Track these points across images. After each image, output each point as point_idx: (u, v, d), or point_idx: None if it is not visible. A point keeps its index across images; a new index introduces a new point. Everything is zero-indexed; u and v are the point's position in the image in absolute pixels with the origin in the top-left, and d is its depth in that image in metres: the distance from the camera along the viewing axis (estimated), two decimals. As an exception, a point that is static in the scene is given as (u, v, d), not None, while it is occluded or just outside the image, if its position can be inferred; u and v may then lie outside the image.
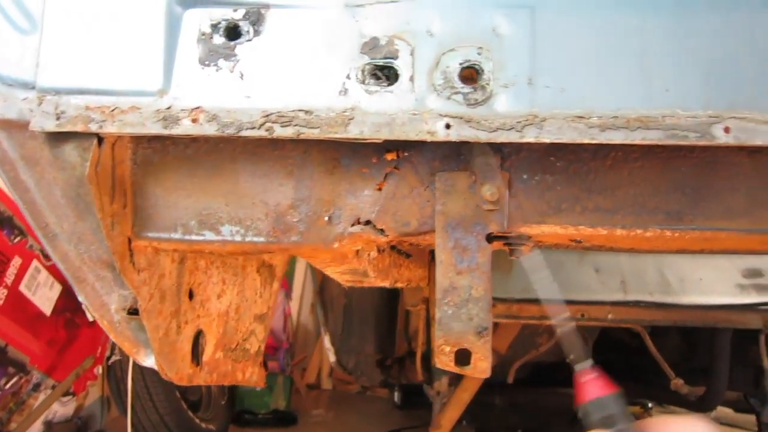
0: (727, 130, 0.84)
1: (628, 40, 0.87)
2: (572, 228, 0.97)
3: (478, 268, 0.95)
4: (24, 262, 3.38)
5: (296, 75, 0.91)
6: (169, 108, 0.92)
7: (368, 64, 0.90)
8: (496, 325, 3.24)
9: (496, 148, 0.95)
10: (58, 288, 3.66)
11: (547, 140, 0.85)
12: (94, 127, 0.92)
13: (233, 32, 0.93)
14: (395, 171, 1.00)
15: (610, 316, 2.50)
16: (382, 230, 1.00)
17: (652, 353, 2.71)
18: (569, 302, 2.54)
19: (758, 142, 0.83)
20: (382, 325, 4.00)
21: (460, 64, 0.88)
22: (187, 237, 1.03)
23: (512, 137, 0.86)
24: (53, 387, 3.57)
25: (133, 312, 1.13)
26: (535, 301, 2.62)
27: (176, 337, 1.25)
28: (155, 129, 0.91)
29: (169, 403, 4.14)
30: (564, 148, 0.96)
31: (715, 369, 2.96)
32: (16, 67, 0.97)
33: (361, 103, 0.89)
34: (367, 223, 1.00)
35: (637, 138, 0.84)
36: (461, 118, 0.87)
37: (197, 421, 4.37)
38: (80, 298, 1.13)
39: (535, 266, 0.81)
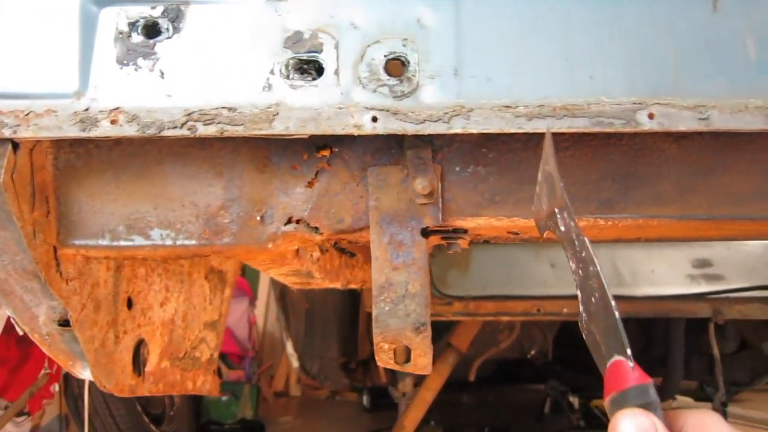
0: (651, 116, 0.84)
1: (553, 29, 0.87)
2: (507, 220, 0.97)
3: (414, 264, 0.94)
4: (-30, 280, 3.26)
5: (219, 72, 0.89)
6: (86, 110, 0.88)
7: (292, 58, 0.88)
8: (456, 324, 3.25)
9: (427, 140, 0.94)
10: (9, 305, 3.54)
11: (475, 131, 0.84)
12: (7, 132, 0.88)
13: (152, 30, 0.91)
14: (327, 167, 0.98)
15: (565, 310, 2.53)
16: (316, 228, 0.98)
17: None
18: (525, 298, 2.57)
19: (681, 127, 0.84)
20: (345, 328, 3.97)
21: (385, 56, 0.87)
22: (115, 243, 1.00)
23: (440, 129, 0.85)
24: (6, 407, 3.46)
25: (65, 323, 1.09)
26: (493, 298, 2.64)
27: (114, 347, 1.21)
28: (73, 132, 0.88)
29: (130, 418, 4.05)
30: (495, 138, 0.95)
31: (670, 359, 3.03)
32: None
33: (285, 98, 0.87)
34: (300, 221, 0.98)
35: (564, 126, 0.84)
36: (388, 110, 0.85)
37: (161, 434, 4.28)
38: (8, 312, 1.08)
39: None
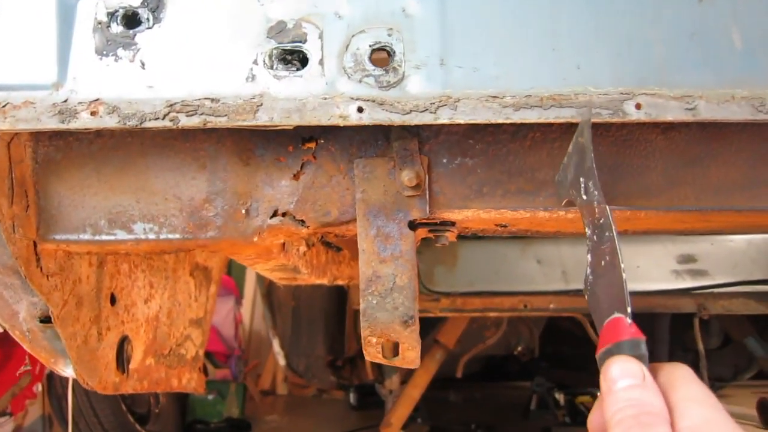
0: (638, 106, 0.84)
1: (539, 19, 0.87)
2: (495, 212, 0.96)
3: (402, 256, 0.93)
4: (-50, 280, 3.21)
5: (201, 62, 0.87)
6: (65, 101, 0.86)
7: (276, 48, 0.87)
8: (444, 320, 3.25)
9: (414, 131, 0.93)
10: (-10, 305, 3.49)
11: (462, 121, 0.84)
12: (-16, 124, 0.86)
13: (132, 20, 0.89)
14: (312, 160, 0.97)
15: (552, 306, 2.54)
16: (302, 221, 0.97)
17: (594, 342, 2.76)
18: (512, 294, 2.58)
19: (669, 117, 0.84)
20: (332, 325, 3.96)
21: (371, 46, 0.86)
22: (97, 237, 0.98)
23: (426, 119, 0.84)
24: (-13, 408, 3.41)
25: (46, 320, 1.07)
26: (480, 294, 2.64)
27: (97, 344, 1.19)
28: (51, 124, 0.86)
29: (115, 418, 4.01)
30: (483, 129, 0.95)
31: (655, 355, 3.04)
32: None
33: (270, 89, 0.85)
34: (286, 214, 0.97)
35: (551, 116, 0.84)
36: (374, 101, 0.84)
37: (146, 434, 4.24)
38: (-13, 309, 1.06)
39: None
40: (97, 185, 0.98)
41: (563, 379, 4.48)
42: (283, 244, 1.14)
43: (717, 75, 0.85)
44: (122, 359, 1.29)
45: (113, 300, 1.26)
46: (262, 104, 0.85)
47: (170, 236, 0.97)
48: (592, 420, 0.70)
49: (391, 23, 0.87)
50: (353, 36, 0.87)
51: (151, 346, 1.46)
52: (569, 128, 0.94)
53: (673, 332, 3.25)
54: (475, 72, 0.86)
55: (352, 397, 5.10)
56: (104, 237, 0.98)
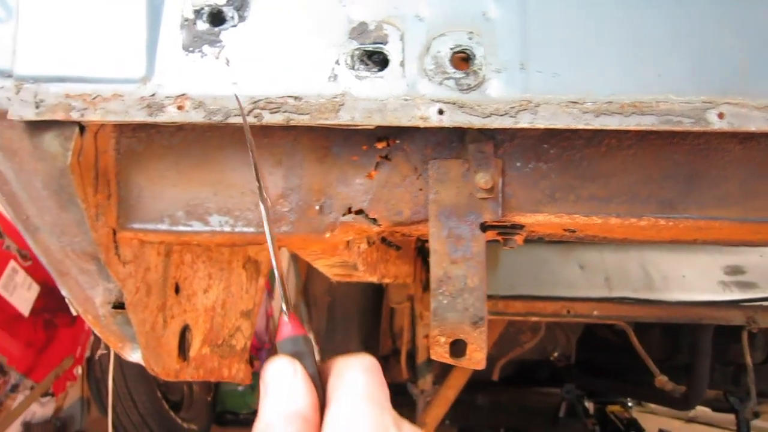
0: (721, 115, 0.83)
1: (620, 24, 0.87)
2: (567, 217, 0.96)
3: (473, 258, 0.94)
4: (0, 263, 3.31)
5: (284, 61, 0.89)
6: (153, 95, 0.89)
7: (357, 49, 0.88)
8: (481, 322, 3.24)
9: (489, 135, 0.94)
10: (36, 289, 3.60)
11: (542, 126, 0.84)
12: (75, 116, 0.89)
13: (217, 18, 0.91)
14: (387, 159, 0.98)
15: (595, 313, 2.51)
16: (374, 219, 0.98)
17: (637, 350, 2.72)
18: (554, 299, 2.56)
19: (752, 128, 0.83)
20: (367, 323, 3.98)
21: (451, 48, 0.86)
22: (174, 228, 1.01)
23: (506, 123, 0.84)
24: (32, 388, 3.51)
25: (119, 306, 1.10)
26: (522, 298, 2.63)
27: (162, 331, 1.23)
28: (140, 117, 0.88)
29: (151, 404, 4.10)
30: (558, 135, 0.95)
31: (697, 366, 2.99)
32: (-8, 56, 0.94)
33: (351, 89, 0.87)
34: (359, 212, 0.98)
35: (632, 123, 0.84)
36: (454, 103, 0.85)
37: (179, 421, 4.33)
38: (63, 292, 1.09)
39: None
40: (175, 177, 1.00)
41: (594, 387, 4.43)
42: (348, 241, 1.16)
43: (802, 86, 0.84)
44: (183, 347, 1.32)
45: (177, 289, 1.29)
46: (343, 104, 0.86)
47: (245, 230, 1.00)
48: None
49: (472, 27, 0.88)
50: (434, 39, 0.88)
51: (207, 336, 1.49)
52: (645, 136, 0.94)
53: (712, 345, 3.19)
54: (555, 77, 0.86)
55: (381, 395, 5.09)
56: (181, 228, 1.00)
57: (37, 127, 0.93)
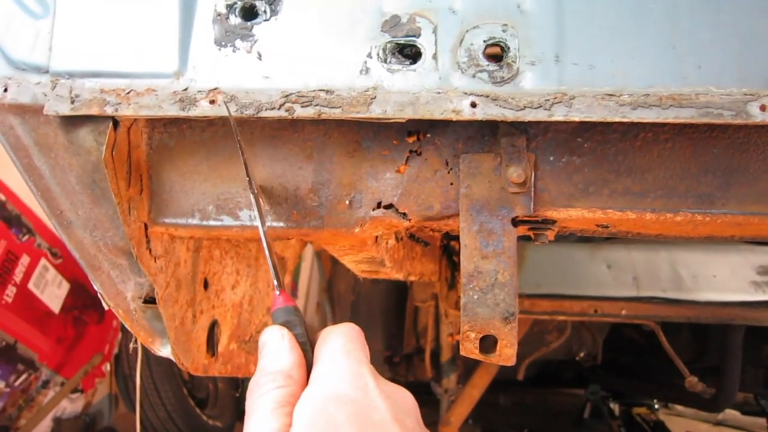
0: (763, 108, 0.81)
1: (658, 16, 0.85)
2: (600, 212, 0.94)
3: (504, 253, 0.92)
4: (32, 261, 3.37)
5: (315, 55, 0.89)
6: (185, 90, 0.89)
7: (389, 42, 0.88)
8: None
9: (522, 128, 0.93)
10: (66, 286, 3.66)
11: (577, 118, 0.83)
12: (109, 110, 0.90)
13: (249, 12, 0.91)
14: (417, 154, 0.97)
15: (623, 312, 2.47)
16: (404, 214, 0.97)
17: (667, 350, 2.68)
18: (582, 298, 2.53)
19: (795, 120, 0.81)
20: (391, 321, 3.97)
21: (485, 41, 0.85)
22: (205, 222, 1.01)
23: (540, 116, 0.83)
24: (62, 384, 3.57)
25: (150, 301, 1.11)
26: (548, 297, 2.60)
27: (192, 326, 1.23)
28: (172, 111, 0.89)
29: (177, 400, 4.14)
30: (592, 128, 0.93)
31: (727, 367, 2.93)
32: (29, 52, 0.95)
33: (383, 82, 0.86)
34: (389, 206, 0.97)
35: (670, 116, 0.82)
36: (487, 96, 0.84)
37: (204, 418, 4.36)
38: (95, 287, 1.11)
39: None
40: (206, 172, 1.01)
41: (620, 388, 4.37)
42: (377, 236, 1.15)
43: None
44: (212, 342, 1.33)
45: (206, 285, 1.30)
46: (375, 97, 0.86)
47: (275, 224, 1.00)
48: None
49: (506, 19, 0.87)
50: (467, 31, 0.87)
51: (235, 332, 1.50)
52: (682, 129, 0.92)
53: (744, 347, 3.12)
54: (591, 69, 0.84)
55: (405, 394, 5.09)
56: (212, 222, 1.01)
57: (72, 122, 0.94)
